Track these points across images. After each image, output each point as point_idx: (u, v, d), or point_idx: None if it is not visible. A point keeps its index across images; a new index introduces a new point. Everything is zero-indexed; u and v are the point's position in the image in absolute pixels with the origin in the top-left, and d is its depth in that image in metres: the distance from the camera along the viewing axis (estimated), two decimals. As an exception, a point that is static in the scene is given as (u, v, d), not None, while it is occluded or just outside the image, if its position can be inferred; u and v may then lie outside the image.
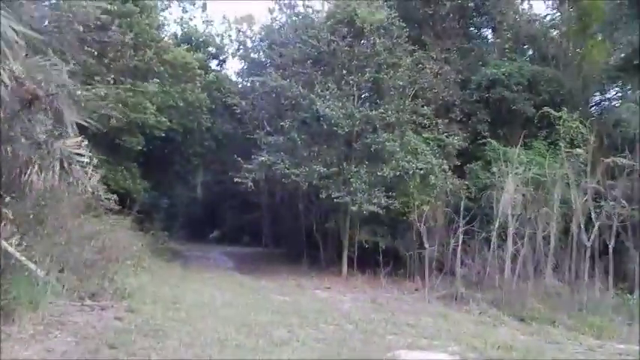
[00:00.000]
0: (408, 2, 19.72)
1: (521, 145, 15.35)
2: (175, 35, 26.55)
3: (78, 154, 12.00)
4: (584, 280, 13.14)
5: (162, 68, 20.14)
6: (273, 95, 18.33)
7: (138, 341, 7.24)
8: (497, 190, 14.10)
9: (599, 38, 18.81)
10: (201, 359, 6.60)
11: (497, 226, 13.60)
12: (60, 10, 15.79)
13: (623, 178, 13.83)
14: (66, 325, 7.79)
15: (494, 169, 15.02)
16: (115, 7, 18.79)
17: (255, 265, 22.53)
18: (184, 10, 27.62)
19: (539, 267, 13.37)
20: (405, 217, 16.78)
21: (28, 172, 10.33)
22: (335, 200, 16.15)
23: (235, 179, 17.48)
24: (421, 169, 15.81)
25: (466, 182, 16.81)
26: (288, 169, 16.48)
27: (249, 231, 35.53)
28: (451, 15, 19.48)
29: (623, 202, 13.44)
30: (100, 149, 18.49)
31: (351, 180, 16.03)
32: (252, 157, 17.70)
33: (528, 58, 20.43)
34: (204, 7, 28.53)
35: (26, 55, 9.27)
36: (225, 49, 28.68)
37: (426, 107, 16.86)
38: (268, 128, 18.64)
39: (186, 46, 24.25)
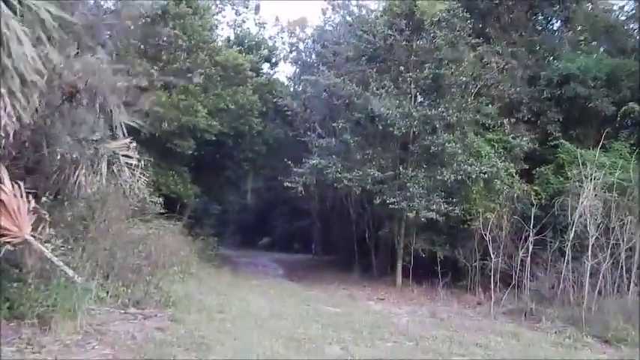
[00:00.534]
0: (472, -8, 18.42)
1: (599, 147, 13.85)
2: (228, 39, 26.36)
3: (126, 156, 11.75)
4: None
5: (213, 70, 19.88)
6: (326, 95, 17.57)
7: (178, 355, 6.67)
8: (572, 196, 12.70)
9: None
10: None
11: (572, 236, 12.21)
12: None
13: None
14: (105, 334, 7.28)
15: (569, 174, 13.61)
16: (169, 8, 18.90)
17: (305, 273, 21.84)
18: (237, 13, 27.45)
19: (622, 282, 11.89)
20: (465, 225, 15.58)
21: (76, 173, 10.08)
22: (390, 206, 15.14)
23: (285, 184, 16.80)
24: (485, 173, 14.57)
25: (535, 187, 15.39)
26: (340, 174, 15.63)
27: (299, 238, 35.03)
28: (518, 6, 18.07)
29: None
30: (152, 153, 18.42)
31: (408, 185, 14.99)
32: (303, 160, 16.98)
33: (605, 52, 18.67)
34: (257, 10, 28.23)
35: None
36: (278, 52, 28.28)
37: (490, 106, 15.55)
38: (320, 130, 17.86)
39: (238, 48, 24.06)
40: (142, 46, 18.81)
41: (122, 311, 8.78)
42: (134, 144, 11.82)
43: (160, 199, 11.72)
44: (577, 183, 12.82)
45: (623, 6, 19.35)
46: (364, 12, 20.28)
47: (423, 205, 14.70)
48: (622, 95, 16.19)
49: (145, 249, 11.41)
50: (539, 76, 17.76)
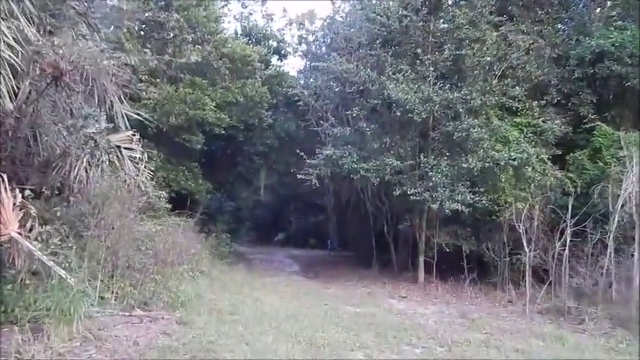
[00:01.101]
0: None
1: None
2: (235, 32, 25.56)
3: (129, 149, 11.01)
4: None
5: (220, 62, 19.13)
6: (338, 83, 16.66)
7: (183, 364, 5.86)
8: (612, 182, 11.62)
9: None
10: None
11: (614, 226, 11.15)
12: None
13: None
14: (105, 340, 6.64)
15: (608, 158, 12.54)
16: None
17: (322, 270, 21.03)
18: (244, 5, 26.63)
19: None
20: (492, 217, 14.60)
21: (77, 167, 9.37)
22: (411, 198, 14.19)
23: (298, 176, 15.94)
24: (514, 160, 13.50)
25: (569, 175, 14.31)
26: (356, 164, 14.70)
27: (314, 233, 34.30)
28: (543, -19, 16.90)
29: None
30: (161, 148, 17.77)
31: (430, 174, 13.99)
32: (317, 152, 16.11)
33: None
34: (263, 1, 27.40)
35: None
36: (286, 45, 27.37)
37: (517, 87, 14.46)
38: (333, 119, 16.93)
39: (245, 40, 23.30)
40: (142, 34, 18.29)
41: (127, 314, 8.10)
42: (137, 136, 11.21)
43: (164, 193, 10.85)
44: (618, 168, 11.75)
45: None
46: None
47: (447, 195, 13.71)
48: (661, 72, 14.99)
49: (153, 247, 10.76)
50: (568, 56, 16.60)
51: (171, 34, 18.25)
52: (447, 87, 14.18)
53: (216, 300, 10.32)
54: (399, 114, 14.29)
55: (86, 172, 9.45)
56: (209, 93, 18.39)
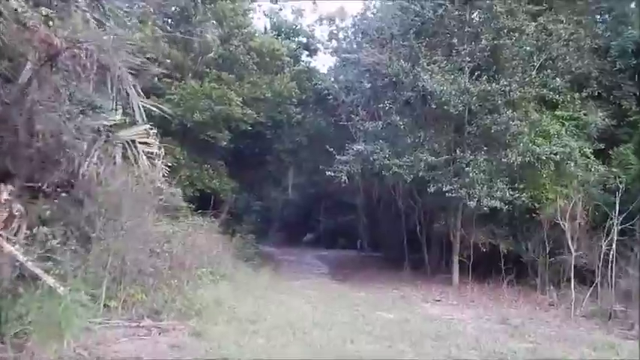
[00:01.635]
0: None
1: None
2: (265, 28, 25.01)
3: (145, 144, 10.51)
4: None
5: (248, 56, 18.60)
6: (370, 76, 15.87)
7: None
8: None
9: None
10: None
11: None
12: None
13: None
14: (101, 358, 5.92)
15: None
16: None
17: (351, 271, 20.31)
18: (273, 1, 26.05)
19: None
20: (532, 215, 13.63)
21: (87, 163, 8.89)
22: (447, 195, 13.33)
23: (328, 173, 15.22)
24: (557, 154, 12.54)
25: (614, 170, 13.24)
26: (388, 160, 13.93)
27: (344, 233, 33.56)
28: (584, -31, 15.82)
29: None
30: (185, 145, 17.35)
31: (467, 170, 13.13)
32: (347, 147, 15.37)
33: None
34: (292, -3, 26.79)
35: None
36: (316, 41, 26.65)
37: (558, 79, 13.43)
38: (364, 113, 16.12)
39: (273, 34, 22.75)
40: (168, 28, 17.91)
41: (134, 324, 7.50)
42: (154, 130, 10.69)
43: (179, 190, 10.26)
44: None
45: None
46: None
47: (485, 192, 12.83)
48: None
49: (170, 249, 10.18)
50: (608, 47, 15.61)
51: (198, 28, 17.83)
52: (484, 78, 13.22)
53: (237, 306, 9.69)
54: (433, 107, 13.47)
55: (97, 167, 9.00)
56: (235, 88, 17.89)
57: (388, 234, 24.51)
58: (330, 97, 19.07)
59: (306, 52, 25.78)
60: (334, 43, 25.21)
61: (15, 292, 5.49)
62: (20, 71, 6.56)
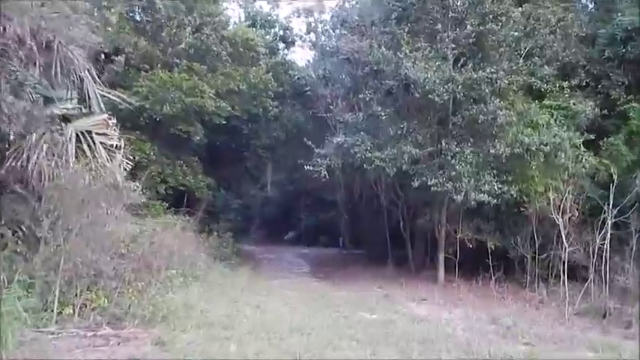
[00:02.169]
0: None
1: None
2: (239, 19, 24.12)
3: (103, 135, 9.66)
4: None
5: (220, 46, 17.73)
6: (349, 65, 15.13)
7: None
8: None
9: None
10: None
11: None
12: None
13: None
14: (45, 375, 5.08)
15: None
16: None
17: (333, 269, 19.62)
18: (247, -10, 25.13)
19: None
20: (520, 209, 13.11)
21: (35, 157, 8.02)
22: (432, 189, 12.70)
23: (306, 167, 14.46)
24: (546, 145, 11.98)
25: (604, 161, 12.77)
26: (370, 153, 13.22)
27: (325, 231, 32.96)
28: (569, -47, 15.31)
29: None
30: (155, 140, 16.45)
31: (453, 162, 12.51)
32: (326, 140, 14.65)
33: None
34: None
35: None
36: (293, 33, 25.82)
37: (546, 67, 12.87)
38: (344, 103, 15.34)
39: (248, 23, 21.92)
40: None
41: (91, 333, 6.67)
42: (113, 120, 9.85)
43: (136, 184, 9.41)
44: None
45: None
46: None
47: (472, 185, 12.23)
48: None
49: (136, 249, 9.34)
50: (596, 35, 15.10)
51: (166, 16, 16.90)
52: (469, 66, 12.61)
53: (209, 310, 8.91)
54: (417, 95, 12.80)
55: (49, 162, 8.13)
56: (208, 80, 16.98)
57: (370, 231, 23.93)
58: (308, 88, 18.26)
59: (283, 45, 25.03)
60: (312, 36, 24.44)
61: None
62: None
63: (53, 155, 8.16)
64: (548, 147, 12.02)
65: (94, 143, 9.40)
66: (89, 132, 9.43)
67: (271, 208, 38.06)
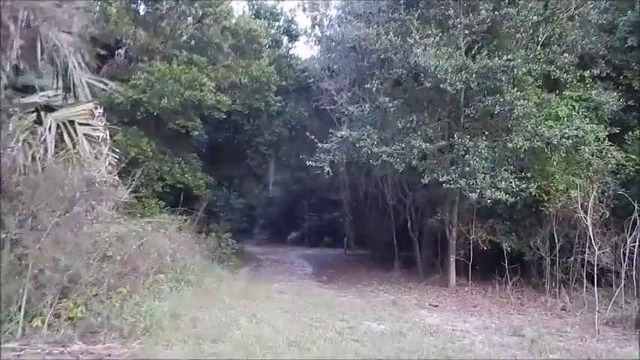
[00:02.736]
0: None
1: None
2: (243, 12, 23.24)
3: (87, 125, 8.84)
4: None
5: (222, 36, 16.91)
6: (356, 54, 14.20)
7: None
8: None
9: None
10: None
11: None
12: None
13: None
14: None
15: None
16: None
17: (337, 272, 18.79)
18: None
19: None
20: (540, 208, 12.18)
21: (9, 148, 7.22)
22: (444, 186, 11.78)
23: (308, 162, 13.56)
24: (568, 138, 11.02)
25: (632, 156, 11.79)
26: (376, 147, 12.30)
27: (329, 231, 32.28)
28: None
29: None
30: (153, 136, 15.64)
31: (466, 157, 11.57)
32: (330, 134, 13.76)
33: None
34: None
35: None
36: (298, 27, 24.94)
37: (567, 55, 11.89)
38: (349, 94, 14.40)
39: (250, 13, 21.07)
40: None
41: (60, 349, 5.85)
42: (99, 110, 9.03)
43: (116, 179, 8.61)
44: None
45: None
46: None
47: (488, 182, 11.28)
48: None
49: (123, 251, 8.53)
50: (617, 22, 14.10)
51: (167, 6, 16.14)
52: (484, 54, 11.66)
53: (199, 320, 8.07)
54: (428, 85, 11.83)
55: (25, 154, 7.34)
56: (208, 73, 16.15)
57: (376, 231, 23.11)
58: (312, 80, 17.34)
59: (287, 38, 24.14)
60: (317, 31, 23.48)
61: None
62: None
63: (30, 147, 7.38)
64: (570, 140, 11.03)
65: (77, 134, 8.60)
66: (71, 122, 8.63)
67: (274, 208, 37.46)
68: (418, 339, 7.86)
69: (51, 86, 9.15)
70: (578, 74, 12.32)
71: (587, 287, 10.87)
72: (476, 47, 12.16)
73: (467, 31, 12.10)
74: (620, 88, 13.62)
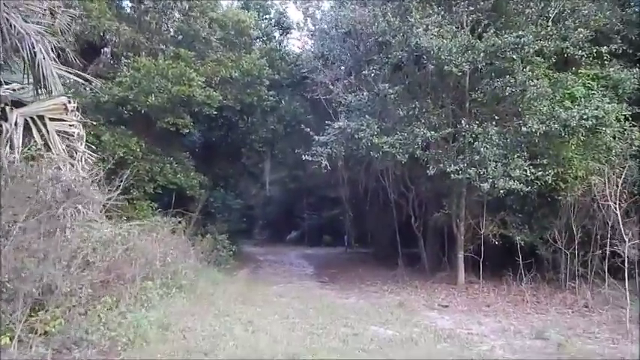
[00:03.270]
0: None
1: None
2: (231, 5, 22.39)
3: (59, 121, 8.04)
4: None
5: (209, 29, 16.11)
6: (352, 39, 13.36)
7: None
8: None
9: None
10: None
11: None
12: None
13: None
14: None
15: None
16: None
17: (339, 271, 17.98)
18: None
19: None
20: (552, 198, 11.39)
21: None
22: (452, 177, 10.93)
23: (305, 157, 12.72)
24: (587, 119, 10.18)
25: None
26: (377, 138, 11.43)
27: (329, 230, 31.51)
28: None
29: None
30: (142, 135, 14.88)
31: (475, 144, 10.72)
32: (326, 126, 12.94)
33: None
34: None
35: None
36: (289, 20, 24.06)
37: (582, 30, 11.03)
38: (346, 82, 13.52)
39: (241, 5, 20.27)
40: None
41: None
42: (73, 104, 8.24)
43: (86, 180, 7.81)
44: None
45: None
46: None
47: (500, 171, 10.44)
48: None
49: (107, 257, 7.75)
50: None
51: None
52: (491, 32, 10.82)
53: (189, 330, 7.29)
54: (431, 67, 10.98)
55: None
56: (197, 67, 15.36)
57: (378, 228, 22.38)
58: (305, 71, 16.51)
59: (279, 32, 23.29)
60: (310, 24, 22.60)
61: None
62: None
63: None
64: (589, 122, 10.18)
65: (48, 130, 7.79)
66: (41, 117, 7.82)
67: (273, 208, 36.82)
68: (431, 346, 7.07)
69: (23, 82, 8.39)
70: (594, 50, 11.44)
71: (609, 283, 10.09)
72: (482, 26, 11.30)
73: (471, 8, 11.22)
74: (638, 64, 12.75)
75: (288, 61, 20.05)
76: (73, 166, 7.81)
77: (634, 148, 10.83)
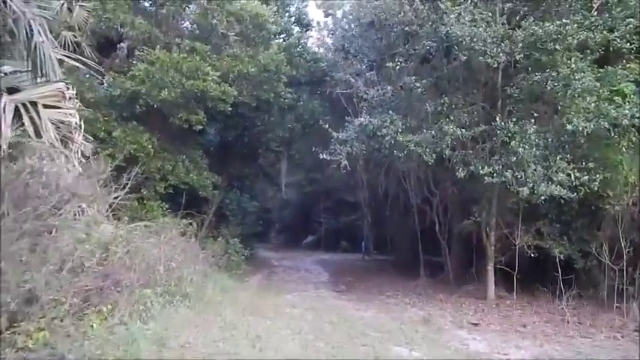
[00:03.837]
0: None
1: None
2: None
3: (54, 108, 7.29)
4: None
5: (226, 22, 15.38)
6: (375, 30, 12.43)
7: None
8: None
9: None
10: None
11: None
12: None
13: None
14: None
15: None
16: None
17: (356, 279, 17.09)
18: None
19: None
20: (596, 207, 10.32)
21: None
22: (486, 180, 9.90)
23: (322, 156, 11.80)
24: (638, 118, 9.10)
25: None
26: (401, 136, 10.50)
27: (347, 235, 30.55)
28: None
29: None
30: (154, 131, 14.21)
31: (512, 145, 9.69)
32: (346, 124, 12.04)
33: None
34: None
35: None
36: (309, 17, 23.31)
37: (633, 19, 9.92)
38: (368, 75, 12.57)
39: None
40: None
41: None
42: (71, 90, 7.50)
43: (74, 171, 7.04)
44: None
45: None
46: None
47: (541, 174, 9.41)
48: None
49: (103, 262, 7.01)
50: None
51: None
52: (530, 21, 9.81)
53: (189, 346, 6.43)
54: (463, 58, 9.98)
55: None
56: (213, 62, 14.63)
57: (398, 234, 21.42)
58: (324, 65, 15.68)
59: (298, 28, 22.52)
60: (330, 22, 21.77)
61: None
62: None
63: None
64: (640, 121, 9.10)
65: (41, 118, 7.04)
66: (34, 103, 7.08)
67: (289, 211, 36.29)
68: (465, 373, 6.11)
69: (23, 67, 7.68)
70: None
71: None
72: (519, 15, 10.28)
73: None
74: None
75: (307, 58, 19.29)
76: (67, 157, 7.07)
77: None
